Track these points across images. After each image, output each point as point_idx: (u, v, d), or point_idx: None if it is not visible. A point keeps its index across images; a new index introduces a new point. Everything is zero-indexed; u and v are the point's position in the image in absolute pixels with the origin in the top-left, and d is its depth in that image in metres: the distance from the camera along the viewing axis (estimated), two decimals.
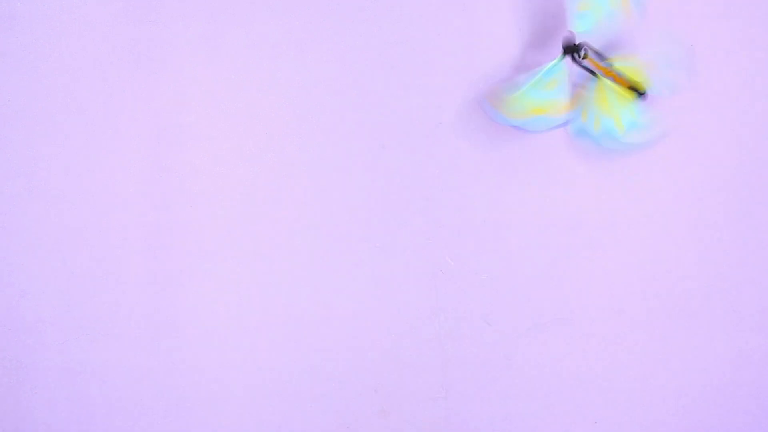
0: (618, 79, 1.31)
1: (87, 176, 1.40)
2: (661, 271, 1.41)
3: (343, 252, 1.41)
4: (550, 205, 1.41)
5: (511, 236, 1.41)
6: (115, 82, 1.40)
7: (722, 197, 1.41)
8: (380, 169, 1.41)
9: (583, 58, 1.30)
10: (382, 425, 1.41)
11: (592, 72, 1.32)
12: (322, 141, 1.41)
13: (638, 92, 1.32)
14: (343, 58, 1.41)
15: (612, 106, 1.32)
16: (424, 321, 1.41)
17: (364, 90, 1.40)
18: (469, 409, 1.41)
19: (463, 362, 1.41)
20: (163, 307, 1.40)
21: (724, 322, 1.41)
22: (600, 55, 1.31)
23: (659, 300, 1.41)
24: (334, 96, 1.41)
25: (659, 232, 1.41)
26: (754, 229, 1.41)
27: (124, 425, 1.41)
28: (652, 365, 1.42)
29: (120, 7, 1.40)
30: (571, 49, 1.29)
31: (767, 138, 1.41)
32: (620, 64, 1.32)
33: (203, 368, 1.41)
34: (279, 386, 1.41)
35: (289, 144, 1.41)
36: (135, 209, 1.40)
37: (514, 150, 1.40)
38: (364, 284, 1.41)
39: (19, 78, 1.40)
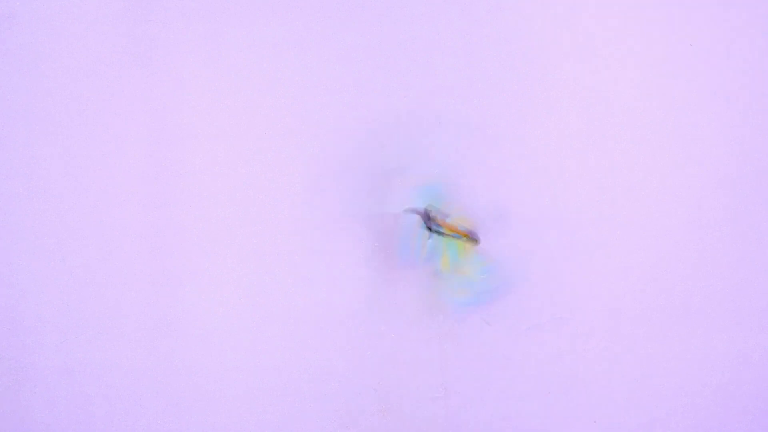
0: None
1: (87, 176, 1.40)
2: (660, 271, 1.41)
3: (343, 252, 1.41)
4: (551, 205, 1.41)
5: (510, 236, 1.41)
6: (115, 82, 1.40)
7: (721, 197, 1.41)
8: (380, 169, 1.41)
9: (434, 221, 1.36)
10: (382, 425, 1.41)
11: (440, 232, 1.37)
12: (321, 140, 1.41)
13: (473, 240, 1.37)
14: (343, 58, 1.41)
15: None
16: (424, 321, 1.41)
17: (364, 89, 1.40)
18: (469, 409, 1.41)
19: (463, 362, 1.41)
20: (162, 307, 1.40)
21: (724, 322, 1.41)
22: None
23: (659, 300, 1.41)
24: (334, 96, 1.41)
25: (659, 232, 1.41)
26: (753, 229, 1.41)
27: (123, 425, 1.41)
28: (651, 365, 1.42)
29: (120, 7, 1.40)
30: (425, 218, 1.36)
31: (767, 138, 1.42)
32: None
33: (203, 368, 1.41)
34: (279, 386, 1.41)
35: (288, 144, 1.41)
36: (135, 209, 1.40)
37: (514, 150, 1.40)
38: (363, 284, 1.41)
39: (19, 78, 1.40)
